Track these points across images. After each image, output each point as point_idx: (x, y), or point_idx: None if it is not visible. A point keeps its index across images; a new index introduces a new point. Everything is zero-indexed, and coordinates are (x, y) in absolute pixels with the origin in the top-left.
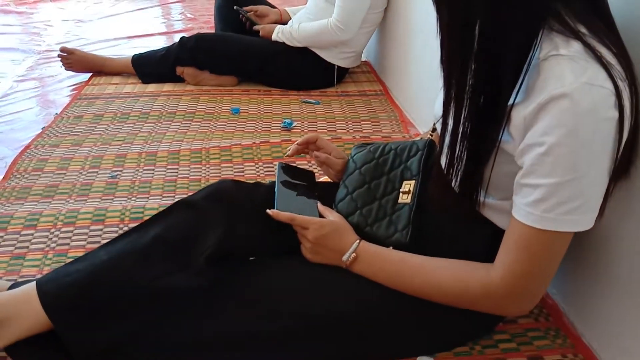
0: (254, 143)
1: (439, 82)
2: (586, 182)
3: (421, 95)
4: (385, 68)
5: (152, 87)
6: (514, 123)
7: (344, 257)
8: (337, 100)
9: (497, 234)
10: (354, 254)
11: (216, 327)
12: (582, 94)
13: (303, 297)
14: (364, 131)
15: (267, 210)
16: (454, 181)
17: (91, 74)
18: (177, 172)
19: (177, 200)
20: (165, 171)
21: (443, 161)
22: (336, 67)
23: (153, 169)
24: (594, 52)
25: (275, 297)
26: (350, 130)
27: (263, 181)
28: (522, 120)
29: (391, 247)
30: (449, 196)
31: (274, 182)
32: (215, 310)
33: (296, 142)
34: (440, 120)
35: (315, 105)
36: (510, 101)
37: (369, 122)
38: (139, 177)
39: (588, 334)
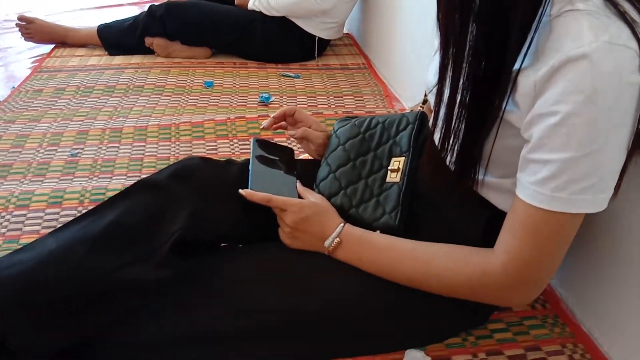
0: (229, 119)
1: (431, 48)
2: (603, 156)
3: (407, 69)
4: (369, 40)
5: (119, 60)
6: (520, 90)
7: (327, 243)
8: (317, 74)
9: (496, 216)
10: (338, 238)
11: (187, 324)
12: (603, 54)
13: (283, 290)
14: (346, 106)
15: (240, 190)
16: (448, 157)
17: (53, 45)
18: (144, 150)
19: (137, 180)
20: (130, 149)
21: (437, 135)
22: (317, 38)
23: (117, 147)
24: (616, 6)
25: (251, 290)
26: (332, 106)
27: (237, 159)
28: (531, 87)
29: (378, 231)
30: (443, 174)
31: (249, 159)
32: (185, 305)
33: (272, 115)
34: (434, 88)
35: (295, 79)
36: (517, 65)
37: (352, 97)
38: (101, 155)
39: (588, 321)
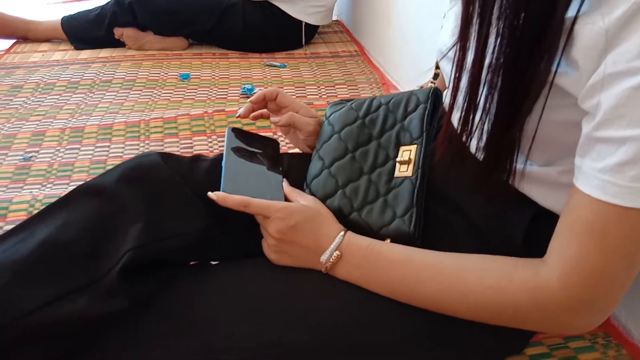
0: (206, 112)
1: (433, 28)
2: None
3: (404, 54)
4: (360, 26)
5: (86, 54)
6: (581, 43)
7: (323, 257)
8: (306, 62)
9: (540, 216)
10: (337, 251)
11: None
12: None
13: (269, 320)
14: (339, 96)
15: (210, 194)
16: (475, 142)
17: (14, 40)
18: (108, 151)
19: (79, 185)
20: (93, 150)
21: (456, 115)
22: (304, 24)
23: (78, 148)
24: None
25: (228, 321)
26: (324, 96)
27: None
28: (599, 37)
29: (389, 240)
30: (467, 165)
31: (222, 154)
32: (146, 342)
33: (249, 100)
34: (452, 51)
35: (281, 69)
36: (572, 11)
37: (345, 86)
38: (59, 159)
39: None
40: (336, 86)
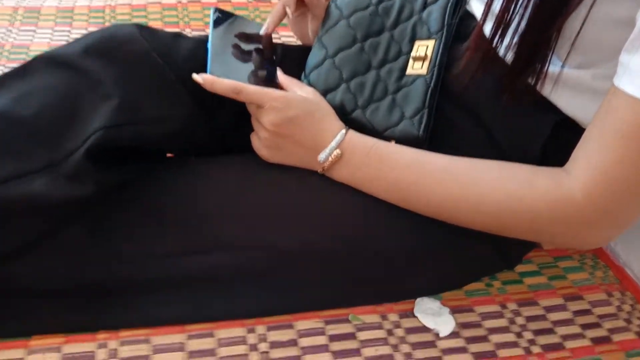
0: (179, 2)
1: None
2: None
3: None
4: None
5: None
6: None
7: (321, 156)
8: None
9: (561, 127)
10: (337, 150)
11: (126, 266)
12: None
13: (261, 221)
14: None
15: (195, 75)
16: (507, 40)
17: None
18: (68, 35)
19: (38, 54)
20: (51, 34)
21: (479, 7)
22: None
23: (34, 30)
24: None
25: (215, 217)
26: None
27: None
28: None
29: (393, 142)
30: (491, 67)
31: (207, 36)
32: (118, 235)
33: (270, 15)
34: None
35: None
36: None
37: None
38: (11, 40)
39: (637, 265)
40: None
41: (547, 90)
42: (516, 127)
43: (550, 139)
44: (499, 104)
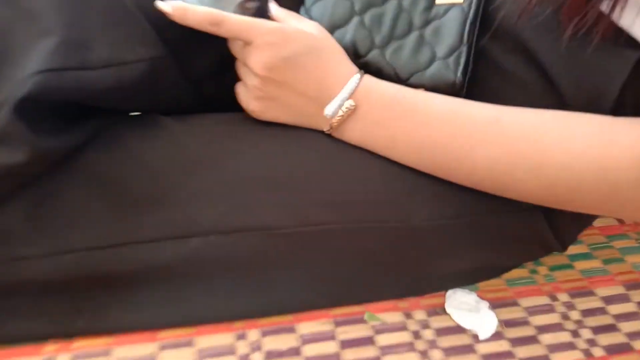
0: None
1: None
2: None
3: None
4: None
5: None
6: None
7: (329, 110)
8: None
9: None
10: (350, 101)
11: (75, 259)
12: None
13: (250, 199)
14: None
15: (160, 3)
16: None
17: None
18: None
19: None
20: None
21: None
22: None
23: None
24: None
25: (191, 195)
26: None
27: None
28: None
29: (422, 90)
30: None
31: None
32: (64, 212)
33: None
34: None
35: None
36: None
37: None
38: None
39: None
40: None
41: (628, 20)
42: (583, 68)
43: (629, 82)
44: (560, 41)
